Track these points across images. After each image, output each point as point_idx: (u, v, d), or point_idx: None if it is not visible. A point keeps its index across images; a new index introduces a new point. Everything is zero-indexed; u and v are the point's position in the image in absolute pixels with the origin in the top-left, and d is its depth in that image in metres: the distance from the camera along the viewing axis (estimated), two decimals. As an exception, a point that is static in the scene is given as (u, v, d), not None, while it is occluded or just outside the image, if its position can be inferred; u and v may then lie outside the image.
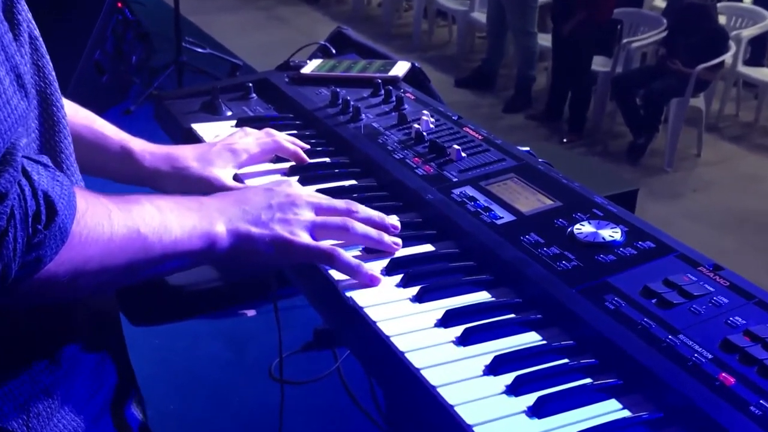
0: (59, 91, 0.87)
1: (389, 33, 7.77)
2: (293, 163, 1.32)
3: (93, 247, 0.80)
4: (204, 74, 5.60)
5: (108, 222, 0.83)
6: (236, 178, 1.27)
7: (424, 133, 1.33)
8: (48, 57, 0.86)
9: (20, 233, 0.70)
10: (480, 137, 1.34)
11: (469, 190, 1.19)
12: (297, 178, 1.28)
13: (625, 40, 5.75)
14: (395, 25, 8.01)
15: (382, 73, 1.58)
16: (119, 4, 5.01)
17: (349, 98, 1.47)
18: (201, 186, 1.21)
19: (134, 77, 5.42)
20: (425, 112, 1.40)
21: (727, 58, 5.48)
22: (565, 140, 5.70)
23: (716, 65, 5.35)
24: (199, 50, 5.61)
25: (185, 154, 1.24)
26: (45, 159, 0.77)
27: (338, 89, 1.51)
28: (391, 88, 1.52)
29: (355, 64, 1.63)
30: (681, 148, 5.45)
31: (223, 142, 1.29)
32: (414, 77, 1.97)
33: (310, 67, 1.63)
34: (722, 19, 6.16)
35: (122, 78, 5.24)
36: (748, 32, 5.92)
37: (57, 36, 4.36)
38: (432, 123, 1.37)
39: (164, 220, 0.90)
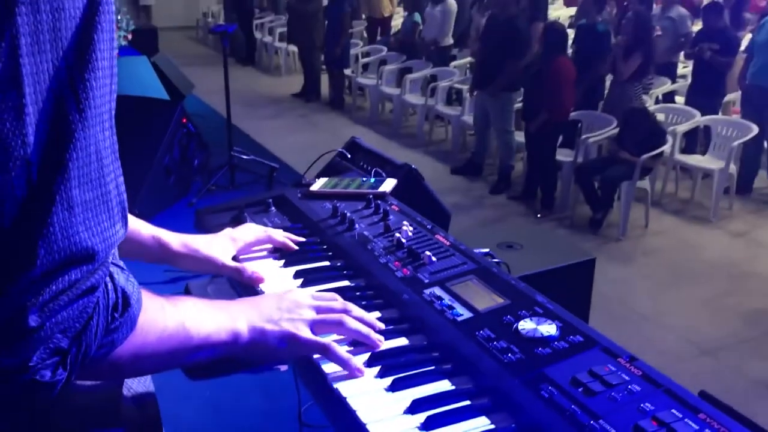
0: None
1: (398, 133, 7.85)
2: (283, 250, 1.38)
3: (151, 335, 0.82)
4: (249, 172, 5.64)
5: (162, 315, 0.85)
6: (235, 258, 1.31)
7: (404, 241, 1.32)
8: None
9: (102, 319, 0.72)
10: (448, 243, 1.32)
11: (437, 290, 1.16)
12: (284, 261, 1.34)
13: (584, 136, 5.77)
14: (403, 126, 8.09)
15: (373, 189, 1.57)
16: (184, 120, 5.09)
17: (346, 211, 1.47)
18: (207, 265, 1.26)
19: (196, 176, 5.46)
20: (405, 222, 1.40)
21: (666, 148, 5.48)
22: (539, 215, 5.68)
23: (657, 155, 5.35)
24: (245, 157, 5.64)
25: (198, 241, 1.28)
26: (122, 263, 0.78)
27: (338, 203, 1.51)
28: (380, 202, 1.51)
29: (353, 182, 1.63)
30: (632, 221, 5.40)
31: (226, 233, 1.33)
32: (410, 176, 1.96)
33: (318, 184, 1.63)
34: (661, 117, 6.19)
35: (186, 178, 5.29)
36: (682, 127, 5.92)
37: (133, 146, 4.44)
38: (410, 231, 1.36)
39: (202, 318, 0.91)
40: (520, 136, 6.12)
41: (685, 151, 6.12)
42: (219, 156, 5.77)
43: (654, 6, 7.56)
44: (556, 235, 4.88)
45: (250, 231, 1.35)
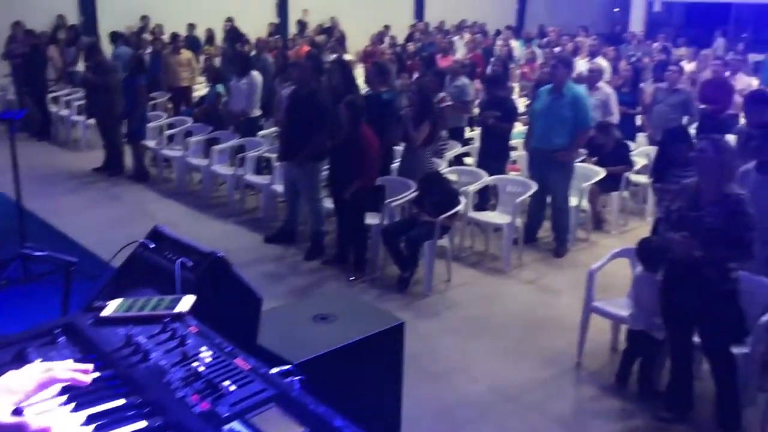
0: None
1: (209, 203, 7.67)
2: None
3: None
4: (46, 261, 5.15)
5: None
6: (17, 410, 1.16)
7: (202, 369, 1.27)
8: None
9: None
10: (248, 367, 1.29)
11: (237, 425, 1.13)
12: (75, 404, 1.24)
13: (387, 200, 5.99)
14: (214, 196, 7.91)
15: (169, 310, 1.50)
16: (-33, 212, 4.62)
17: (141, 339, 1.38)
18: None
19: (-18, 272, 4.90)
20: (203, 347, 1.35)
21: (461, 208, 5.83)
22: (351, 278, 5.77)
23: (453, 214, 5.68)
24: (38, 254, 5.12)
25: None
26: None
27: (133, 329, 1.43)
28: (177, 325, 1.44)
29: (148, 302, 1.54)
30: (436, 276, 5.65)
31: (3, 384, 1.18)
32: (218, 265, 1.89)
33: (110, 308, 1.53)
34: (454, 177, 6.61)
35: (-29, 273, 4.73)
36: (473, 187, 6.36)
37: None
38: (209, 358, 1.31)
39: None
40: (330, 203, 6.21)
41: (477, 208, 6.56)
42: (11, 245, 5.24)
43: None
44: (368, 302, 4.98)
45: (30, 377, 1.20)
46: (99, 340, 1.43)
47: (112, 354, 1.38)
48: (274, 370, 1.30)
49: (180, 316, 1.49)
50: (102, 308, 1.53)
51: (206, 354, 1.32)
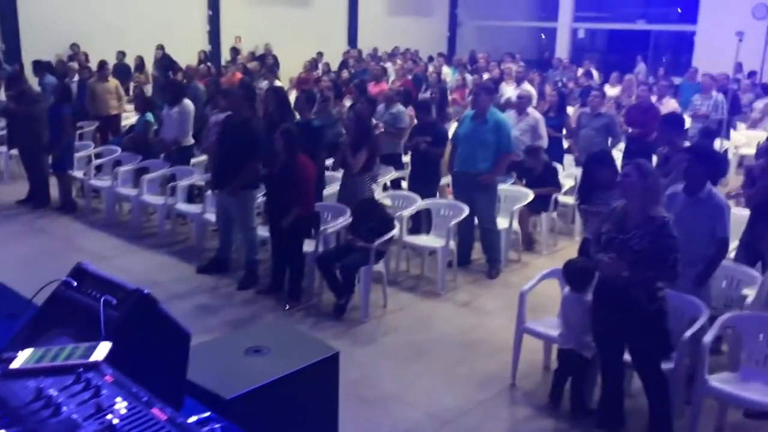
0: None
1: (139, 234, 7.47)
2: None
3: None
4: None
5: None
6: None
7: (116, 422, 1.21)
8: None
9: None
10: (165, 417, 1.24)
11: None
12: None
13: (322, 227, 5.94)
14: (144, 227, 7.70)
15: (84, 359, 1.43)
16: None
17: (51, 392, 1.31)
18: None
19: None
20: (118, 398, 1.29)
21: (395, 232, 5.84)
22: (287, 307, 5.69)
23: (388, 239, 5.68)
24: None
25: None
26: None
27: (44, 381, 1.35)
28: (91, 374, 1.38)
29: (62, 351, 1.47)
30: (372, 302, 5.63)
31: None
32: (143, 303, 1.82)
33: (20, 359, 1.45)
34: (388, 202, 6.63)
35: None
36: (407, 212, 6.40)
37: None
38: (124, 408, 1.26)
39: None
40: (264, 231, 6.12)
41: (411, 232, 6.59)
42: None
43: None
44: (303, 331, 4.91)
45: None
46: (7, 395, 1.35)
47: (20, 409, 1.30)
48: (193, 419, 1.25)
49: (95, 365, 1.42)
50: (11, 360, 1.45)
51: (121, 405, 1.27)
